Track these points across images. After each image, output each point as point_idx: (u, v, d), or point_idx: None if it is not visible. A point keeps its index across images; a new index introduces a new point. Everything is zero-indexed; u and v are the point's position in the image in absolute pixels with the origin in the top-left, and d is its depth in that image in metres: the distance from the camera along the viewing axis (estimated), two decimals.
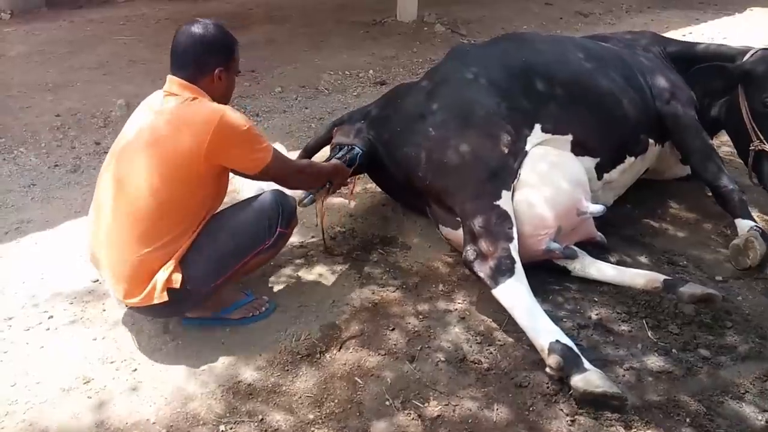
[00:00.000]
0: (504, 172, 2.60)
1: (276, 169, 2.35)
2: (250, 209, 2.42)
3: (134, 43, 6.22)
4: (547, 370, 2.20)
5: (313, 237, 3.03)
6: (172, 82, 2.29)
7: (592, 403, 2.10)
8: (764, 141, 3.13)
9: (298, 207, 2.61)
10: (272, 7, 7.66)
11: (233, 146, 2.22)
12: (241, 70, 2.48)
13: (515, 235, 2.48)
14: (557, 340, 2.22)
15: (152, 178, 2.19)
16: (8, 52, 5.86)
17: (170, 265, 2.21)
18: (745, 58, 3.27)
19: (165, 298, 2.20)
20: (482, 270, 2.42)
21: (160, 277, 2.19)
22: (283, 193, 2.52)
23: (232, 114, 2.22)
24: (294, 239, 2.90)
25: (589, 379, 2.10)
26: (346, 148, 2.91)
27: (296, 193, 2.86)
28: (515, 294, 2.35)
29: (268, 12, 7.44)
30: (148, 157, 2.20)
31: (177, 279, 2.20)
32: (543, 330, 2.27)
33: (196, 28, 2.29)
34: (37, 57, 5.75)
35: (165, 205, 2.21)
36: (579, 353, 2.19)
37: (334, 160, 2.77)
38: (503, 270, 2.38)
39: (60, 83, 5.12)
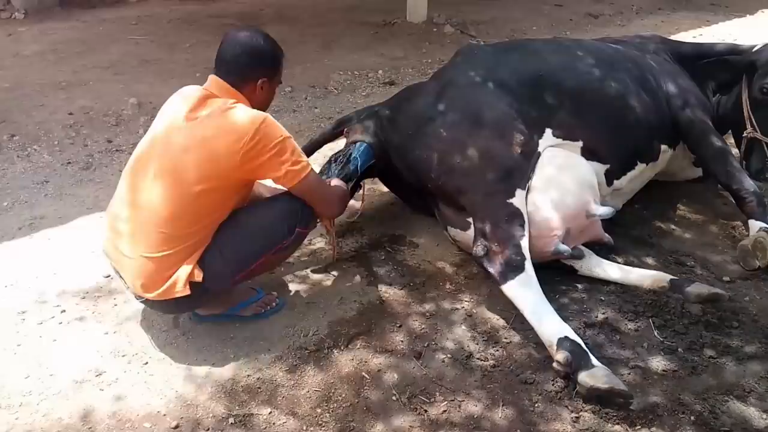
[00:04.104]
0: (518, 171, 2.60)
1: (312, 189, 2.38)
2: (270, 209, 2.42)
3: (146, 43, 6.27)
4: (555, 365, 2.20)
5: (321, 235, 3.05)
6: (216, 83, 2.30)
7: (598, 399, 2.11)
8: (756, 128, 3.15)
9: None
10: (283, 7, 7.69)
11: (268, 154, 2.22)
12: (282, 81, 2.49)
13: (527, 233, 2.48)
14: (566, 337, 2.23)
15: (188, 181, 2.19)
16: (22, 51, 5.93)
17: (192, 261, 2.23)
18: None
19: (187, 291, 2.21)
20: (492, 266, 2.43)
21: (182, 271, 2.21)
22: None
23: (271, 122, 2.24)
24: None
25: (595, 375, 2.11)
26: (343, 161, 2.87)
27: None
28: (524, 291, 2.36)
29: (279, 12, 7.48)
30: (185, 161, 2.19)
31: (199, 273, 2.23)
32: (551, 327, 2.28)
33: (246, 37, 2.31)
34: (50, 56, 5.81)
35: (196, 211, 2.21)
36: (587, 350, 2.21)
37: (340, 183, 2.71)
38: (513, 267, 2.39)
39: (73, 82, 5.17)
